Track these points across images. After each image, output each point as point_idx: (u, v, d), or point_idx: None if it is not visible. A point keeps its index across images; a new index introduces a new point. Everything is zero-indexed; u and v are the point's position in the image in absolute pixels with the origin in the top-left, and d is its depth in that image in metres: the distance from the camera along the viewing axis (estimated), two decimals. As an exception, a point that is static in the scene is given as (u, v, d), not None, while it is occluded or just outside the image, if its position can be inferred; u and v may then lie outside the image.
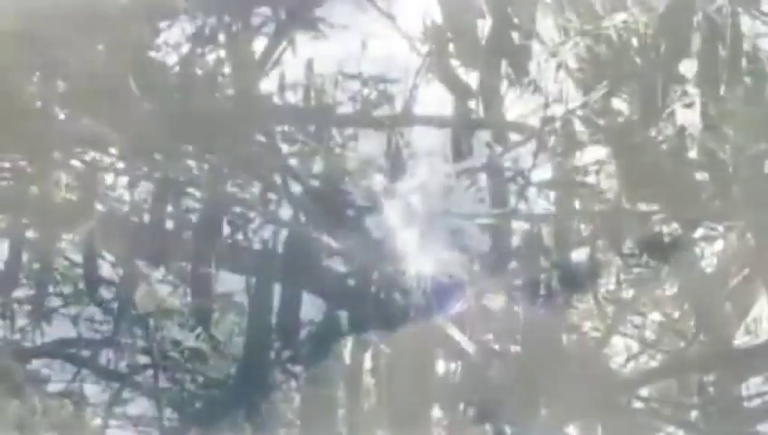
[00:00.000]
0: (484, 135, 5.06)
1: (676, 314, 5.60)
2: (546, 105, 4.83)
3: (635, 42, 4.63)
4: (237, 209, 5.19)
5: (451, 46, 4.83)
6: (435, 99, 5.09)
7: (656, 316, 5.67)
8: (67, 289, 5.91)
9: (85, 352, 6.02)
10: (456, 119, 4.73)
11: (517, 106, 4.99)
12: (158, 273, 5.96)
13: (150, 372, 5.87)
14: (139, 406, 6.10)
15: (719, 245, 5.43)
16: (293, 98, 5.51)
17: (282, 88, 5.60)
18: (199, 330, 5.95)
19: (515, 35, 4.77)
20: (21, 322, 6.05)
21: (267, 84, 5.50)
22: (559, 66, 4.79)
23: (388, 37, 5.90)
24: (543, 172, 4.86)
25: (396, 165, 5.11)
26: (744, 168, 4.46)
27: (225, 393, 5.37)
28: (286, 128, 5.40)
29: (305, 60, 5.63)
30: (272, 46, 5.35)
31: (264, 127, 5.08)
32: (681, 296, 5.31)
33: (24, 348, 5.99)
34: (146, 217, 5.22)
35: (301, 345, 5.11)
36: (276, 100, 5.40)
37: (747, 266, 5.38)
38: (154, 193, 5.07)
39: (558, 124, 4.79)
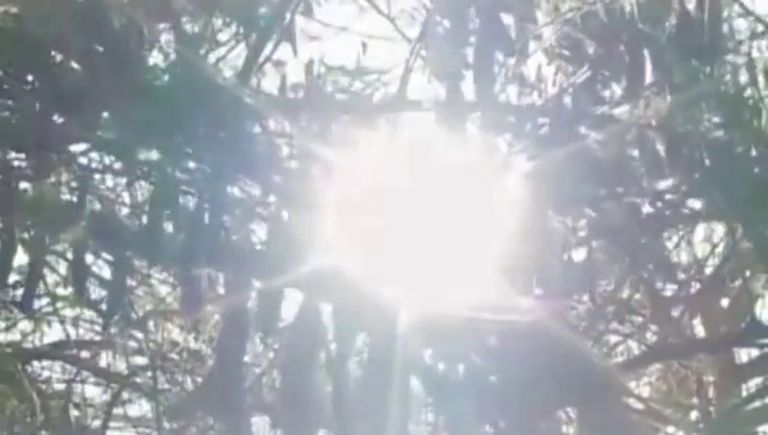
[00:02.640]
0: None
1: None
2: (528, 92, 4.80)
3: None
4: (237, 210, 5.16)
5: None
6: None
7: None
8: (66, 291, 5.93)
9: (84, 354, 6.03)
10: (446, 102, 4.67)
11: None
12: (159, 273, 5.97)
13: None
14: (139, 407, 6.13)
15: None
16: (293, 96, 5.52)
17: (282, 88, 5.61)
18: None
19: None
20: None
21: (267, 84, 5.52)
22: (544, 51, 4.76)
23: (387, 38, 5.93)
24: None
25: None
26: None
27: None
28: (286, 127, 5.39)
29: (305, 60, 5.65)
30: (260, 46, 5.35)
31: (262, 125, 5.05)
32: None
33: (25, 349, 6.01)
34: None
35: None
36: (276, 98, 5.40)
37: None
38: (153, 193, 5.03)
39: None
